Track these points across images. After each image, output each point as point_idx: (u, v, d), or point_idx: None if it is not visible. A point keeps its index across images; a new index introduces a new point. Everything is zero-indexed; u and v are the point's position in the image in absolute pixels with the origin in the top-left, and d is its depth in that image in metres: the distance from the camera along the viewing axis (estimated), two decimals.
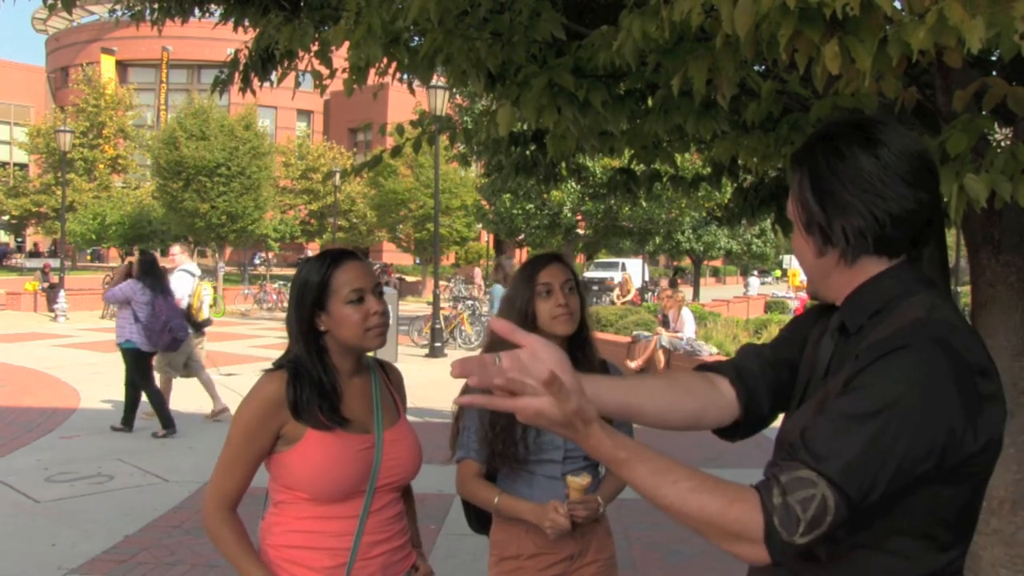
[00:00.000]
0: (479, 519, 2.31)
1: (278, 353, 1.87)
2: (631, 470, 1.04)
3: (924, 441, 1.01)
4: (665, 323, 11.38)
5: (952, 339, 1.06)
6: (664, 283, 19.11)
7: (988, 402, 1.06)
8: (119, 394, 9.66)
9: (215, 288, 22.01)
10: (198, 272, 8.27)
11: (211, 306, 8.04)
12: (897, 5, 1.48)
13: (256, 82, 3.69)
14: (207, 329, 8.58)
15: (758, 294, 29.49)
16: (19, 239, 47.47)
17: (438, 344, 14.13)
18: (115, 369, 11.78)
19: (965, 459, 1.05)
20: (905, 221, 1.13)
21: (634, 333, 12.04)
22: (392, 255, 43.40)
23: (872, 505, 1.01)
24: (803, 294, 25.33)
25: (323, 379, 1.76)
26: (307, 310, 1.77)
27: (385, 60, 2.69)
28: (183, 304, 7.82)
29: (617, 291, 25.40)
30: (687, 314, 11.28)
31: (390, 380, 1.97)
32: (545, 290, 2.13)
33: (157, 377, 7.82)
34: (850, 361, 1.13)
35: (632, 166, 3.87)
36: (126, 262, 8.41)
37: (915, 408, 1.01)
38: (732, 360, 1.40)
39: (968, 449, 1.04)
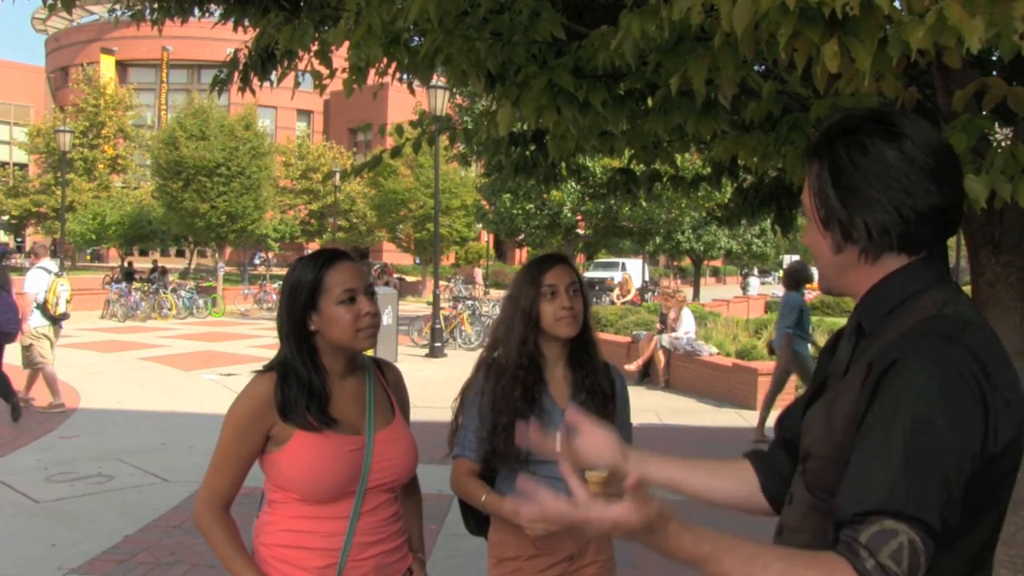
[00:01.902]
0: (476, 520, 2.31)
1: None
2: (718, 564, 1.02)
3: (963, 445, 0.99)
4: (663, 324, 11.38)
5: (963, 337, 1.04)
6: (663, 283, 19.10)
7: (1004, 402, 1.02)
8: (119, 394, 9.70)
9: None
10: (55, 269, 8.66)
11: (68, 301, 8.58)
12: (897, 5, 1.48)
13: (256, 82, 3.69)
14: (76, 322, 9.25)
15: (758, 294, 29.48)
16: (19, 239, 47.44)
17: (438, 344, 14.13)
18: (115, 369, 11.81)
19: (989, 461, 1.02)
20: (930, 217, 1.10)
21: (633, 333, 12.03)
22: (392, 255, 43.38)
23: (954, 526, 0.98)
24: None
25: (312, 379, 1.76)
26: (299, 310, 1.77)
27: (385, 60, 2.69)
28: (39, 299, 8.24)
29: (617, 291, 25.42)
30: (687, 314, 11.28)
31: (387, 380, 1.96)
32: (550, 292, 2.13)
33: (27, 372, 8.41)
34: (862, 363, 1.10)
35: (632, 166, 3.87)
36: None
37: (943, 415, 0.98)
38: (765, 454, 1.41)
39: (990, 450, 1.01)
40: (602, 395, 2.18)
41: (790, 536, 1.20)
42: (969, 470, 0.99)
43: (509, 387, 2.11)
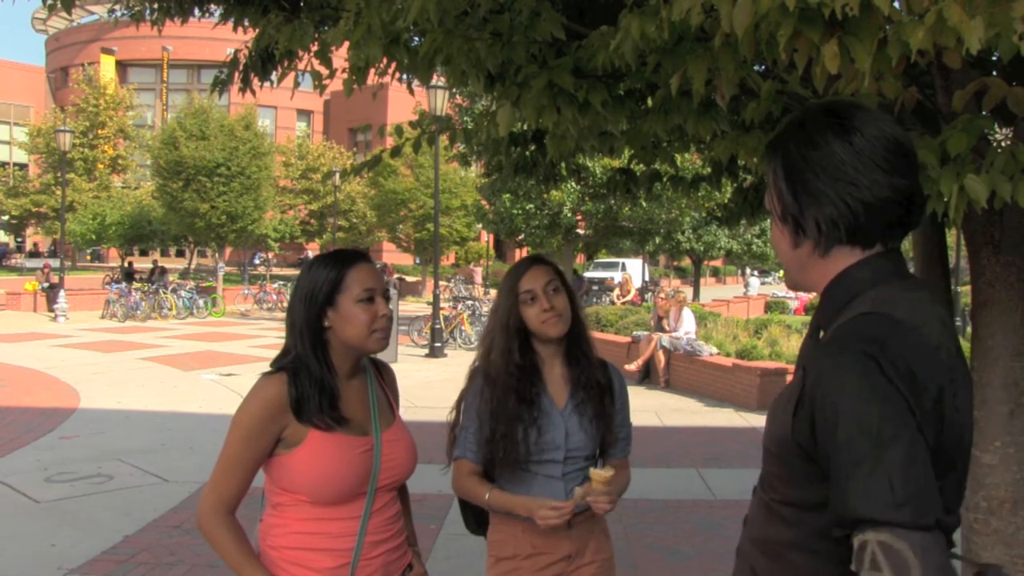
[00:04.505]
0: (476, 519, 2.31)
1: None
2: None
3: (902, 433, 0.98)
4: (659, 326, 11.36)
5: (887, 338, 1.03)
6: (664, 284, 19.11)
7: (914, 408, 1.01)
8: (119, 394, 9.71)
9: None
10: None
11: None
12: (896, 5, 1.48)
13: (256, 82, 3.69)
14: None
15: (758, 294, 29.48)
16: (19, 239, 47.48)
17: (438, 344, 14.14)
18: (115, 369, 11.81)
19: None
20: (879, 209, 1.11)
21: (633, 333, 12.03)
22: (392, 255, 43.39)
23: (936, 506, 0.95)
24: (803, 293, 25.32)
25: (324, 376, 1.75)
26: (317, 305, 1.75)
27: (385, 60, 2.68)
28: None
29: (617, 291, 25.40)
30: (687, 314, 11.28)
31: (384, 379, 1.97)
32: (529, 297, 2.13)
33: None
34: (801, 364, 1.12)
35: (632, 166, 3.87)
36: None
37: (874, 415, 0.98)
38: None
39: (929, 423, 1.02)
40: (598, 389, 2.18)
41: (749, 529, 1.25)
42: (924, 450, 0.98)
43: (503, 397, 2.12)
